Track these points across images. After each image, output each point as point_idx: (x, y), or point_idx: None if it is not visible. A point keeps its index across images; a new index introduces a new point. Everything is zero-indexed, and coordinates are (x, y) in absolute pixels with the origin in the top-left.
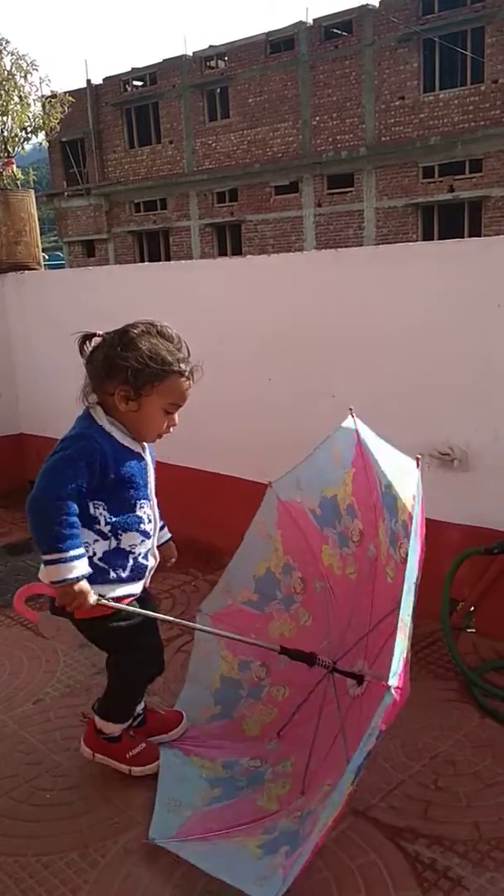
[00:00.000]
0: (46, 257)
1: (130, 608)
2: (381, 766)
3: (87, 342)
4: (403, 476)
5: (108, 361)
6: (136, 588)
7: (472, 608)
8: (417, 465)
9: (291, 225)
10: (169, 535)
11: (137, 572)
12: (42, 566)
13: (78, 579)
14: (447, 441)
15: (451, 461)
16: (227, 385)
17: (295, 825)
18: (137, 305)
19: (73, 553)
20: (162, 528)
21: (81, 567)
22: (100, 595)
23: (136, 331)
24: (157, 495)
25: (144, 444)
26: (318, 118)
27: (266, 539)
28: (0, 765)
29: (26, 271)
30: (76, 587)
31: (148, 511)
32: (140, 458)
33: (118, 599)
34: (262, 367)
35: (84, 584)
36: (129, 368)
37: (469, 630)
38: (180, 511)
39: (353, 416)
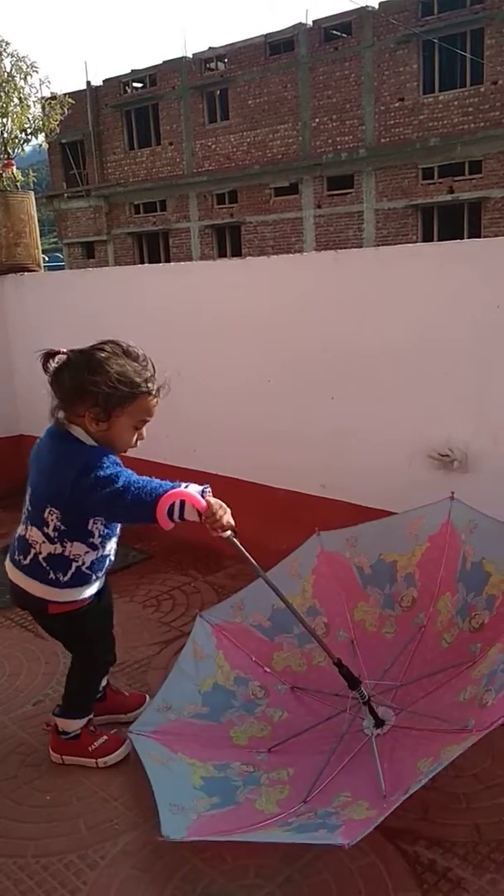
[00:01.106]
0: (46, 259)
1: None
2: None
3: (51, 359)
4: None
5: (77, 386)
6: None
7: None
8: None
9: (291, 226)
10: None
11: (103, 564)
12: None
13: (209, 490)
14: (447, 442)
15: (450, 462)
16: (227, 387)
17: (316, 820)
18: (136, 307)
19: (182, 483)
20: None
21: (198, 486)
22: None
23: (103, 354)
24: None
25: None
26: (317, 120)
27: (296, 578)
28: None
29: (26, 273)
30: (213, 498)
31: None
32: None
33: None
34: (262, 369)
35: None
36: (100, 393)
37: None
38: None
39: (452, 499)
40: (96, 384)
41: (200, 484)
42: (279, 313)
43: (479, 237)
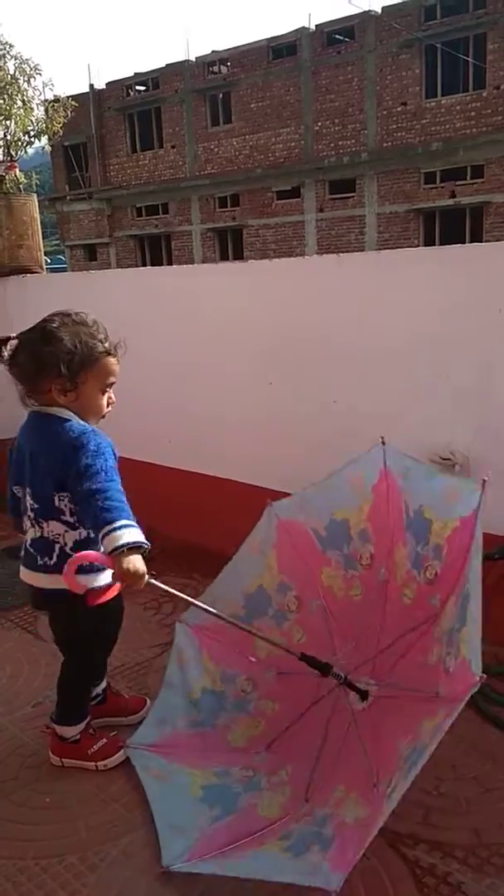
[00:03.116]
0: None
1: (181, 595)
2: None
3: (3, 347)
4: (448, 500)
5: (37, 360)
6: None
7: None
8: (483, 487)
9: (293, 230)
10: None
11: None
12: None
13: (140, 546)
14: (448, 446)
15: (452, 466)
16: (228, 389)
17: (312, 828)
18: (139, 310)
19: (123, 525)
20: None
21: (134, 535)
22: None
23: (53, 324)
24: (154, 497)
25: None
26: (320, 124)
27: (259, 555)
28: None
29: (28, 275)
30: (136, 566)
31: None
32: None
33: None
34: (264, 372)
35: (138, 560)
36: (60, 361)
37: None
38: (180, 514)
39: (383, 444)
40: (55, 354)
41: (136, 539)
42: (281, 316)
43: (481, 242)
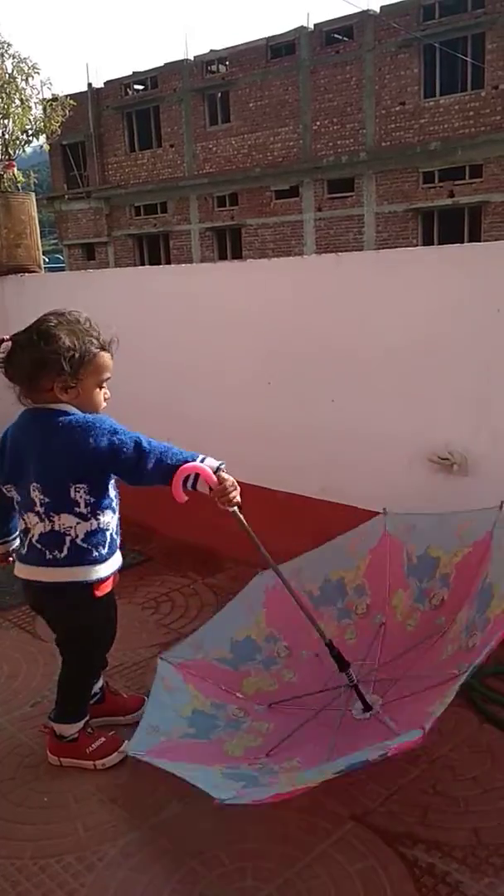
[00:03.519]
0: (46, 260)
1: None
2: (380, 770)
3: None
4: (459, 532)
5: (37, 360)
6: (117, 561)
7: None
8: (502, 507)
9: (291, 229)
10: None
11: (115, 547)
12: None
13: (224, 467)
14: (446, 446)
15: (450, 466)
16: (227, 388)
17: (254, 772)
18: (137, 309)
19: (201, 455)
20: None
21: (215, 461)
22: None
23: (50, 324)
24: (152, 497)
25: None
26: (318, 123)
27: (248, 613)
28: None
29: (26, 274)
30: (227, 475)
31: (117, 489)
32: None
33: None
34: (262, 371)
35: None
36: (61, 358)
37: None
38: (179, 515)
39: (384, 514)
40: (55, 352)
41: (217, 460)
42: (280, 315)
43: (480, 241)
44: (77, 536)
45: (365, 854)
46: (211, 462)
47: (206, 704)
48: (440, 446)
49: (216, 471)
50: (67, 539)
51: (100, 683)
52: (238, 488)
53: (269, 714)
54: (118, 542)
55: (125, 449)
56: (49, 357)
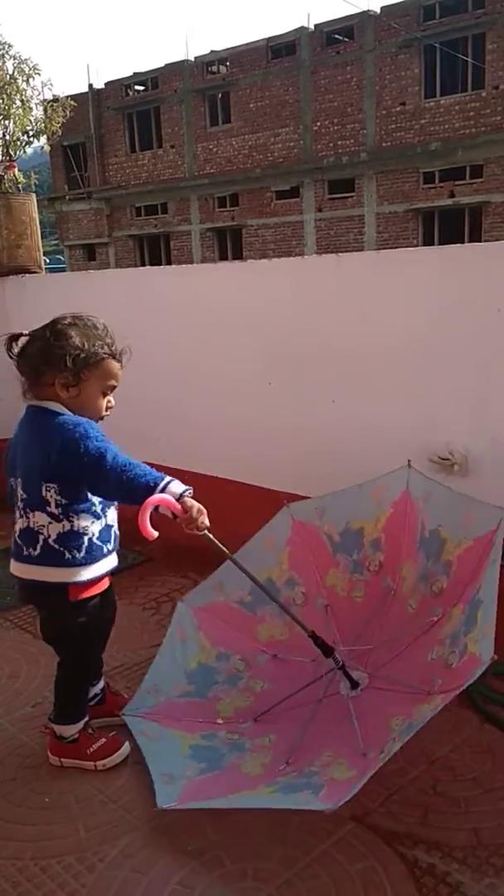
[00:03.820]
0: (47, 261)
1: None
2: (380, 770)
3: (14, 342)
4: (466, 523)
5: (44, 353)
6: (115, 558)
7: None
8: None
9: (292, 230)
10: None
11: (117, 543)
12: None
13: (190, 493)
14: (447, 446)
15: (450, 466)
16: (227, 389)
17: (301, 779)
18: (137, 310)
19: (169, 478)
20: None
21: (182, 486)
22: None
23: (64, 322)
24: None
25: None
26: (319, 123)
27: (272, 552)
28: None
29: (27, 275)
30: (193, 502)
31: None
32: None
33: (89, 583)
34: (263, 372)
35: (193, 501)
36: (66, 356)
37: None
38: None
39: (409, 467)
40: (62, 348)
41: (185, 484)
42: (280, 316)
43: (480, 241)
44: (49, 536)
45: (365, 854)
46: (175, 488)
47: (212, 655)
48: (440, 446)
49: (180, 497)
50: (41, 538)
51: (101, 684)
52: (204, 513)
53: (269, 668)
54: (106, 548)
55: (86, 459)
56: (55, 352)
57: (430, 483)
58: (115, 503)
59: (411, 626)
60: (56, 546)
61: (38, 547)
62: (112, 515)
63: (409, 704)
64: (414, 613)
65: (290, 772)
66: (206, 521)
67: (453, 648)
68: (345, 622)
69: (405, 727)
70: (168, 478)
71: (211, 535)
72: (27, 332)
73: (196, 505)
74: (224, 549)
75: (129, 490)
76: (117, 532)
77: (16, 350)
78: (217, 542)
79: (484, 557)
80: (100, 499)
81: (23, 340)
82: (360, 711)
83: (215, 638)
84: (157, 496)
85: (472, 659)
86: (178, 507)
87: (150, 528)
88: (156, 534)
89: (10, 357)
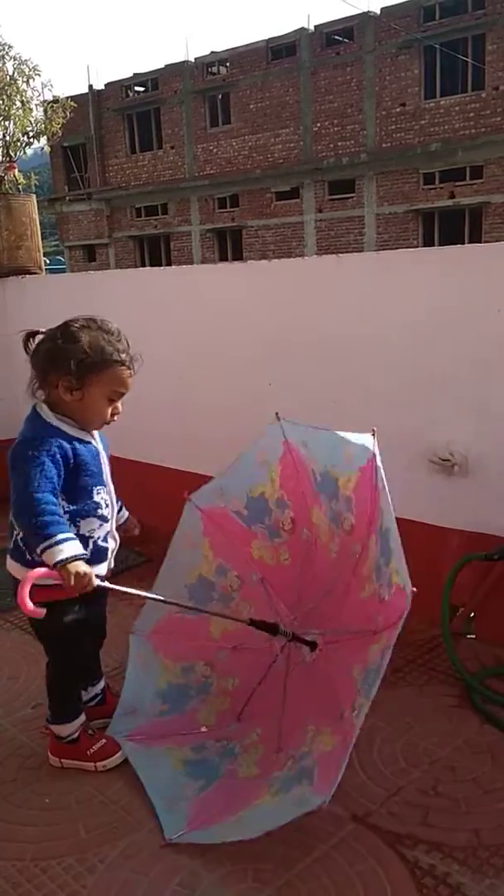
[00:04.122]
0: (47, 262)
1: (130, 590)
2: (381, 771)
3: (31, 340)
4: (348, 458)
5: (51, 354)
6: (100, 570)
7: (473, 614)
8: (374, 435)
9: (292, 231)
10: (127, 514)
11: (99, 555)
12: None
13: (74, 558)
14: (447, 446)
15: (451, 466)
16: (228, 389)
17: (296, 768)
18: (137, 311)
19: (61, 536)
20: (120, 510)
21: (73, 548)
22: (97, 576)
23: (76, 325)
24: (153, 497)
25: (94, 432)
26: (319, 124)
27: (193, 548)
28: None
29: (27, 275)
30: (74, 567)
31: (105, 496)
32: (91, 445)
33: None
34: (263, 372)
35: (82, 565)
36: (72, 359)
37: (469, 636)
38: (178, 515)
39: (278, 419)
40: (68, 351)
41: (77, 548)
42: (281, 316)
43: (480, 242)
44: (19, 534)
45: (365, 856)
46: (54, 556)
47: (178, 672)
48: (441, 447)
49: (58, 565)
50: (14, 532)
51: (101, 685)
52: (87, 576)
53: (233, 662)
54: (86, 545)
55: (11, 474)
56: (61, 354)
57: (300, 428)
58: (92, 514)
59: (339, 570)
60: (21, 544)
61: (12, 541)
62: (91, 528)
63: (362, 649)
64: (336, 558)
65: (283, 760)
66: (90, 585)
67: (381, 581)
68: (282, 589)
69: (365, 677)
70: (55, 540)
71: (107, 584)
72: (44, 329)
73: (75, 571)
74: (128, 590)
75: (25, 529)
76: (103, 545)
77: (31, 347)
78: (118, 588)
79: (374, 485)
80: (65, 508)
81: (39, 338)
82: (323, 671)
83: (174, 654)
84: (35, 571)
85: (400, 591)
86: (55, 574)
87: (28, 603)
88: (41, 611)
89: (27, 353)
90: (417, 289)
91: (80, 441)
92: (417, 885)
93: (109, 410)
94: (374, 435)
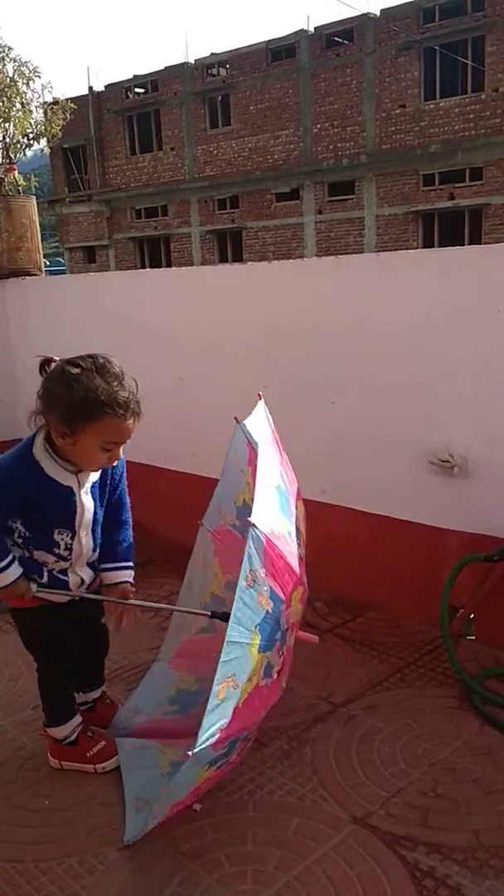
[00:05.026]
0: (47, 263)
1: (110, 599)
2: (381, 773)
3: (46, 366)
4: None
5: (48, 396)
6: (56, 598)
7: (472, 615)
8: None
9: (292, 232)
10: (124, 578)
11: (55, 583)
12: None
13: (13, 584)
14: (447, 448)
15: (450, 468)
16: (227, 391)
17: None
18: (138, 312)
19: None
20: (120, 569)
21: (11, 573)
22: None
23: (75, 370)
24: (153, 500)
25: (88, 474)
26: (319, 126)
27: (205, 569)
28: None
29: (27, 277)
30: (13, 589)
31: (66, 539)
32: (69, 492)
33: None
34: (262, 373)
35: (21, 586)
36: (62, 407)
37: (469, 637)
38: (179, 516)
39: (237, 423)
40: (61, 398)
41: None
42: (280, 318)
43: (480, 244)
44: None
45: (365, 857)
46: (11, 573)
47: (192, 681)
48: (441, 448)
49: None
50: None
51: (95, 694)
52: (27, 592)
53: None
54: (32, 575)
55: None
56: (54, 400)
57: (253, 426)
58: (45, 549)
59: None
60: None
61: None
62: (42, 557)
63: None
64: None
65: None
66: (27, 596)
67: (298, 540)
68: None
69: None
70: (11, 560)
71: (90, 595)
72: (57, 359)
73: (12, 592)
74: (112, 600)
75: None
76: (62, 577)
77: (44, 376)
78: (94, 596)
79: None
80: (20, 533)
81: (52, 367)
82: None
83: (192, 668)
84: None
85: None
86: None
87: None
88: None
89: (41, 376)
90: (417, 290)
91: (55, 483)
92: (417, 887)
93: (103, 458)
94: (259, 397)
